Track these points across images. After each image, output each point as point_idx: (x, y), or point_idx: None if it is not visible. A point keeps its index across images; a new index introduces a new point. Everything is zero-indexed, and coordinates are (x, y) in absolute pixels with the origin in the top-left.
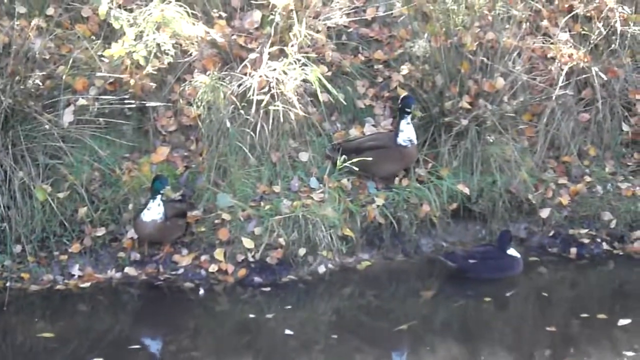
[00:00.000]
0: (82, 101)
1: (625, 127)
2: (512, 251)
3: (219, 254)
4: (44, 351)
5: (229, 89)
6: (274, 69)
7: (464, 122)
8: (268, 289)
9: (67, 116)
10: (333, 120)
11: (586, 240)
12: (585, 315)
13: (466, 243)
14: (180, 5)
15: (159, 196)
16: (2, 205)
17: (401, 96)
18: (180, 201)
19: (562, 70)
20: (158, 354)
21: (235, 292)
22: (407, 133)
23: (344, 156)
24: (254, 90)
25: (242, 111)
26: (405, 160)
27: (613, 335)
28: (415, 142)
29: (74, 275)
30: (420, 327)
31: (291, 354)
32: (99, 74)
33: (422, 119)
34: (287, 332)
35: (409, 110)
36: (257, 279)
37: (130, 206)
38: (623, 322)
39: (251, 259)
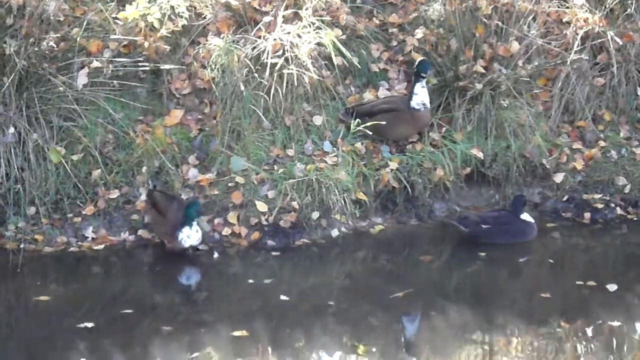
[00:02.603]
0: (96, 63)
1: None
2: (525, 216)
3: (232, 217)
4: (57, 312)
5: (243, 52)
6: (288, 32)
7: (479, 86)
8: (281, 252)
9: (81, 78)
10: (347, 83)
11: (600, 205)
12: (593, 282)
13: (480, 207)
14: None
15: (194, 222)
16: (16, 167)
17: (417, 60)
18: None
19: (577, 34)
20: (170, 316)
21: (249, 255)
22: (421, 97)
23: (357, 120)
24: (268, 53)
25: (256, 74)
26: (418, 124)
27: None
28: (429, 106)
29: (87, 237)
30: (431, 291)
31: (302, 318)
32: (113, 36)
33: (437, 83)
34: (298, 296)
35: (424, 74)
36: (270, 242)
37: (144, 169)
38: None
39: (264, 223)
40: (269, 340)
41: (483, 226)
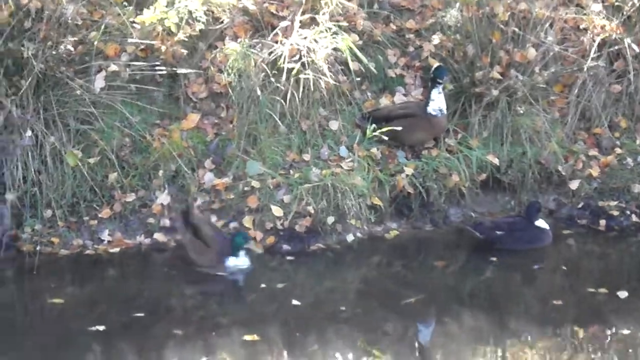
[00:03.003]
0: (113, 67)
1: None
2: (540, 222)
3: (247, 221)
4: (70, 315)
5: (260, 57)
6: (305, 37)
7: (495, 92)
8: (296, 257)
9: (99, 82)
10: (363, 89)
11: (616, 213)
12: (605, 289)
13: (495, 213)
14: None
15: (242, 252)
16: (33, 170)
17: (434, 66)
18: None
19: (594, 41)
20: (184, 319)
21: (264, 259)
22: (437, 103)
23: (373, 125)
24: (284, 58)
25: (272, 79)
26: (434, 130)
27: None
28: (445, 112)
29: (103, 240)
30: (444, 297)
31: (314, 322)
32: (130, 40)
33: (453, 89)
34: (311, 300)
35: (440, 80)
36: (285, 246)
37: (160, 172)
38: None
39: (280, 227)
40: (280, 344)
41: (497, 232)
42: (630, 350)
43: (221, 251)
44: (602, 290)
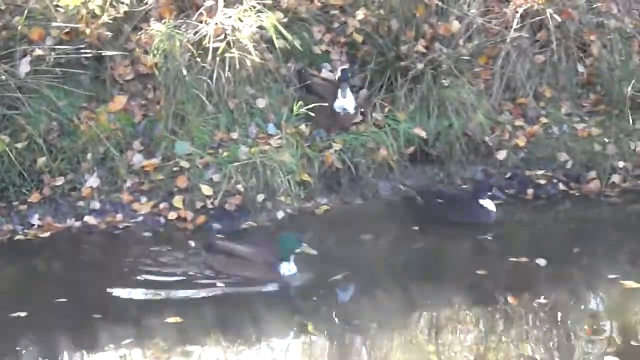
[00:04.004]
0: (38, 51)
1: (580, 68)
2: (486, 202)
3: (177, 201)
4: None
5: (185, 37)
6: (230, 16)
7: (420, 66)
8: (227, 235)
9: (24, 66)
10: (289, 66)
11: (543, 181)
12: (526, 258)
13: (424, 186)
14: None
15: (292, 256)
16: None
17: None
18: None
19: (516, 12)
20: (115, 300)
21: (195, 239)
22: (341, 102)
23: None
24: (209, 37)
25: (198, 59)
26: (337, 124)
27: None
28: (351, 111)
29: (33, 224)
30: (371, 270)
31: (249, 301)
32: (54, 23)
33: (379, 64)
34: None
35: (344, 82)
36: (216, 225)
37: (89, 155)
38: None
39: (210, 206)
40: (206, 326)
41: (438, 200)
42: (547, 319)
43: (267, 260)
44: (524, 259)
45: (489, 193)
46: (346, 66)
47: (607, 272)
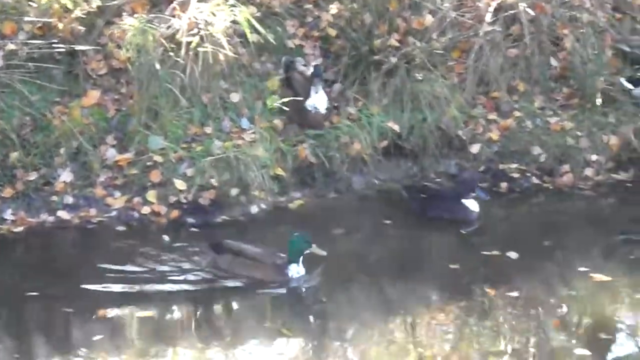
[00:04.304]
0: (11, 46)
1: (553, 62)
2: (469, 202)
3: (151, 195)
4: None
5: (158, 32)
6: (203, 11)
7: (393, 60)
8: (200, 229)
9: None
10: (263, 60)
11: (516, 175)
12: (497, 252)
13: (398, 180)
14: None
15: (301, 257)
16: None
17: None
18: None
19: (489, 6)
20: (90, 294)
21: (169, 233)
22: (313, 100)
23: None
24: (183, 32)
25: (171, 53)
26: (308, 122)
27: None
28: (322, 111)
29: (6, 219)
30: (345, 265)
31: (222, 295)
32: (27, 18)
33: (352, 58)
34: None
35: (317, 78)
36: (189, 220)
37: (62, 150)
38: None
39: (184, 201)
40: (180, 318)
41: (422, 195)
42: (516, 311)
43: (276, 262)
44: (496, 252)
45: (473, 194)
46: (319, 61)
47: (578, 265)
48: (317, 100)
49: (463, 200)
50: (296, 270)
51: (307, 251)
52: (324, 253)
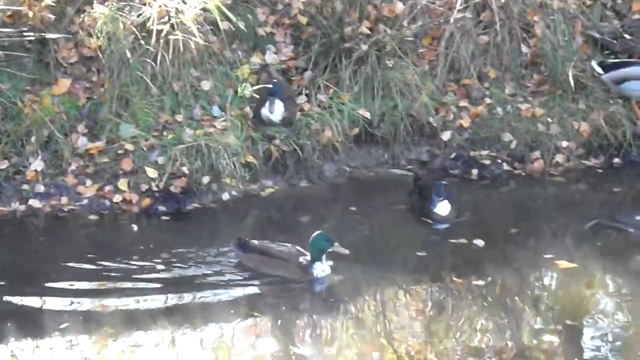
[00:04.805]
0: None
1: (524, 49)
2: (439, 207)
3: (122, 184)
4: None
5: (129, 20)
6: None
7: (364, 47)
8: (172, 217)
9: None
10: (234, 48)
11: (487, 162)
12: (464, 240)
13: (369, 167)
14: None
15: (324, 256)
16: None
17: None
18: None
19: None
20: (60, 284)
21: (140, 221)
22: (267, 113)
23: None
24: (153, 20)
25: (142, 41)
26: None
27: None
28: (276, 122)
29: None
30: None
31: (195, 279)
32: None
33: (323, 45)
34: (188, 257)
35: (273, 95)
36: (161, 207)
37: (33, 139)
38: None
39: (155, 189)
40: (159, 308)
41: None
42: (480, 299)
43: (301, 261)
44: (463, 240)
45: (440, 198)
46: (278, 80)
47: (543, 252)
48: (272, 114)
49: (431, 207)
50: (321, 269)
51: (330, 250)
52: (347, 252)
